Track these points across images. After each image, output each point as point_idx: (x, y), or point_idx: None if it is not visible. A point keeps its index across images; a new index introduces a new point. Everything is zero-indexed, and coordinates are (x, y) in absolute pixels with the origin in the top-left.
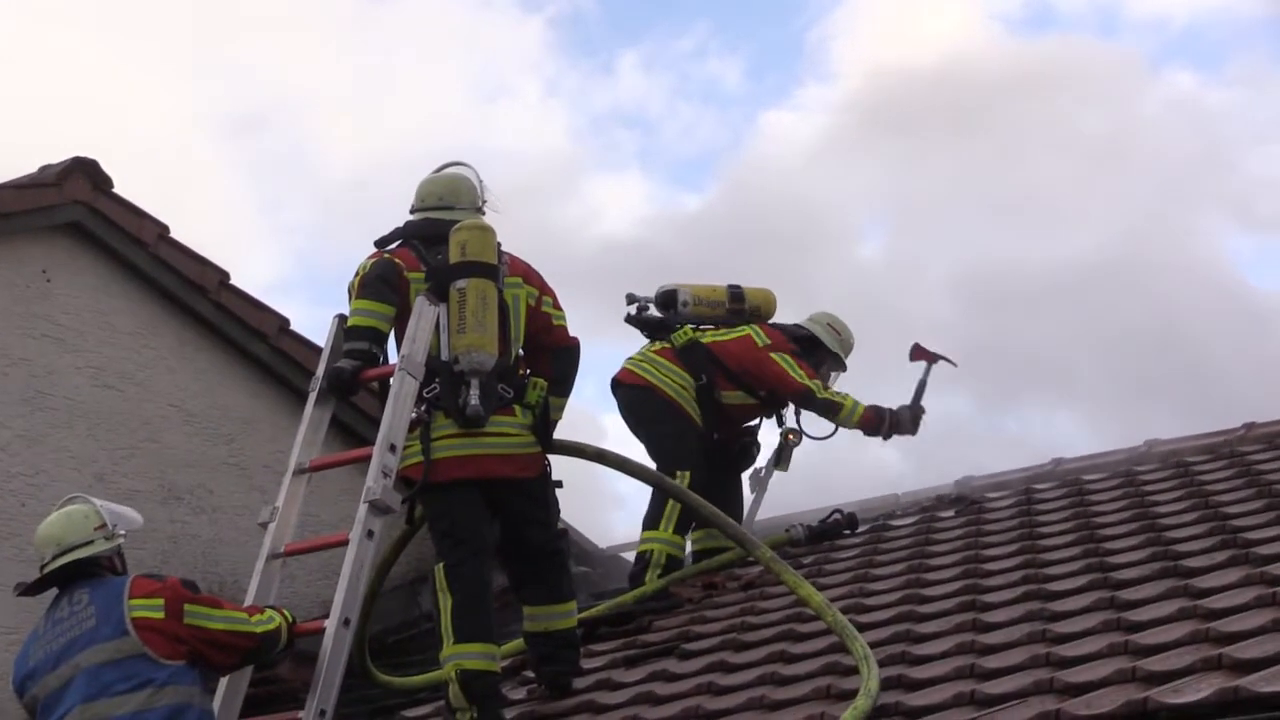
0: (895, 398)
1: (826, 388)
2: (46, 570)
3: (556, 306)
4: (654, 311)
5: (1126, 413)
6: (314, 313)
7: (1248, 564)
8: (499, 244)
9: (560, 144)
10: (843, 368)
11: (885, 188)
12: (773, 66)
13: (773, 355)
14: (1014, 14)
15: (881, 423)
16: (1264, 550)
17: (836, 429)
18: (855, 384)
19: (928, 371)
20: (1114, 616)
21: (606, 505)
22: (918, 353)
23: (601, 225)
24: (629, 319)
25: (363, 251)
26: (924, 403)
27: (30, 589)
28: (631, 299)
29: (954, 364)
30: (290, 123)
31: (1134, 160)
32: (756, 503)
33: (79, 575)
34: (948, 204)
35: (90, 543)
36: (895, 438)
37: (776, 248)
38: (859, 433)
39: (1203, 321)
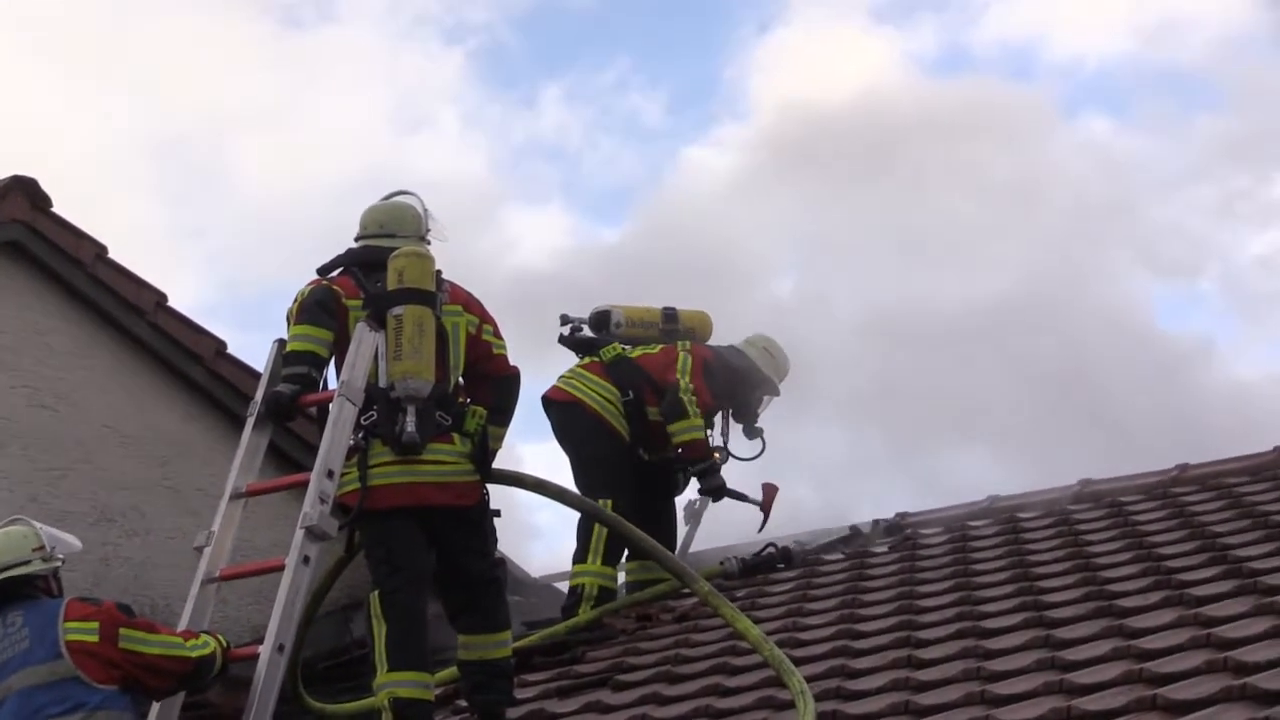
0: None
1: (699, 407)
2: None
3: (497, 335)
4: (587, 332)
5: (1038, 453)
6: (236, 336)
7: (1181, 605)
8: (438, 271)
9: (480, 174)
10: (776, 392)
11: (797, 225)
12: (693, 102)
13: (680, 354)
14: (929, 55)
15: (705, 456)
16: (1198, 592)
17: (763, 449)
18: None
19: (752, 500)
20: (1048, 655)
21: (526, 535)
22: (767, 494)
23: (518, 256)
24: (562, 339)
25: (284, 277)
26: (730, 496)
27: None
28: (565, 320)
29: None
30: (209, 147)
31: (1043, 203)
32: (691, 534)
33: (14, 596)
34: (859, 242)
35: (27, 563)
36: (700, 482)
37: (691, 282)
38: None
39: (1112, 363)
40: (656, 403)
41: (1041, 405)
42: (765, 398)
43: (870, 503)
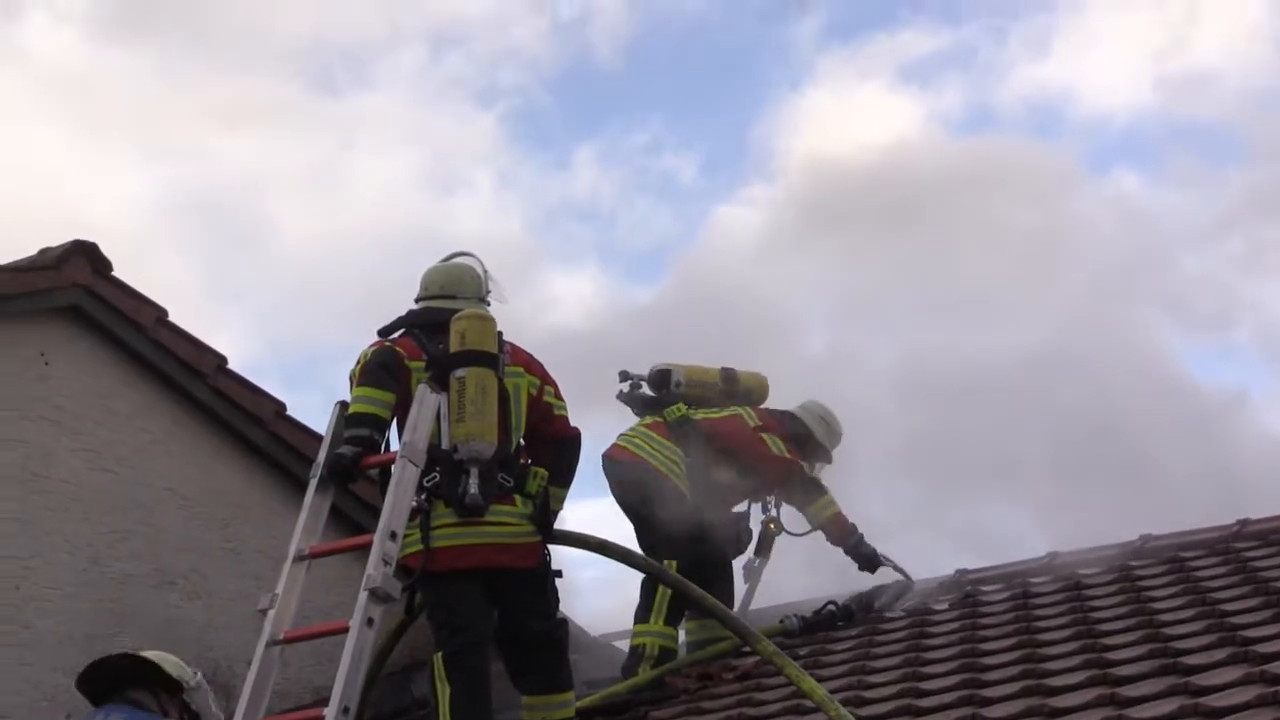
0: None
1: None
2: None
3: (558, 397)
4: (646, 390)
5: (1077, 507)
6: (281, 397)
7: (1247, 662)
8: (500, 333)
9: (516, 235)
10: (829, 460)
11: (828, 283)
12: (725, 161)
13: (762, 435)
14: (954, 115)
15: (850, 534)
16: (1263, 649)
17: (811, 528)
18: None
19: (901, 570)
20: (1115, 714)
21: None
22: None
23: (553, 316)
24: (621, 396)
25: (326, 338)
26: (887, 567)
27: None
28: (625, 376)
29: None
30: (248, 210)
31: (1073, 258)
32: (750, 593)
33: (133, 684)
34: (890, 299)
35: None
36: (855, 558)
37: (724, 340)
38: (821, 535)
39: (1146, 416)
40: (719, 466)
41: (1079, 459)
42: (819, 465)
43: (913, 558)
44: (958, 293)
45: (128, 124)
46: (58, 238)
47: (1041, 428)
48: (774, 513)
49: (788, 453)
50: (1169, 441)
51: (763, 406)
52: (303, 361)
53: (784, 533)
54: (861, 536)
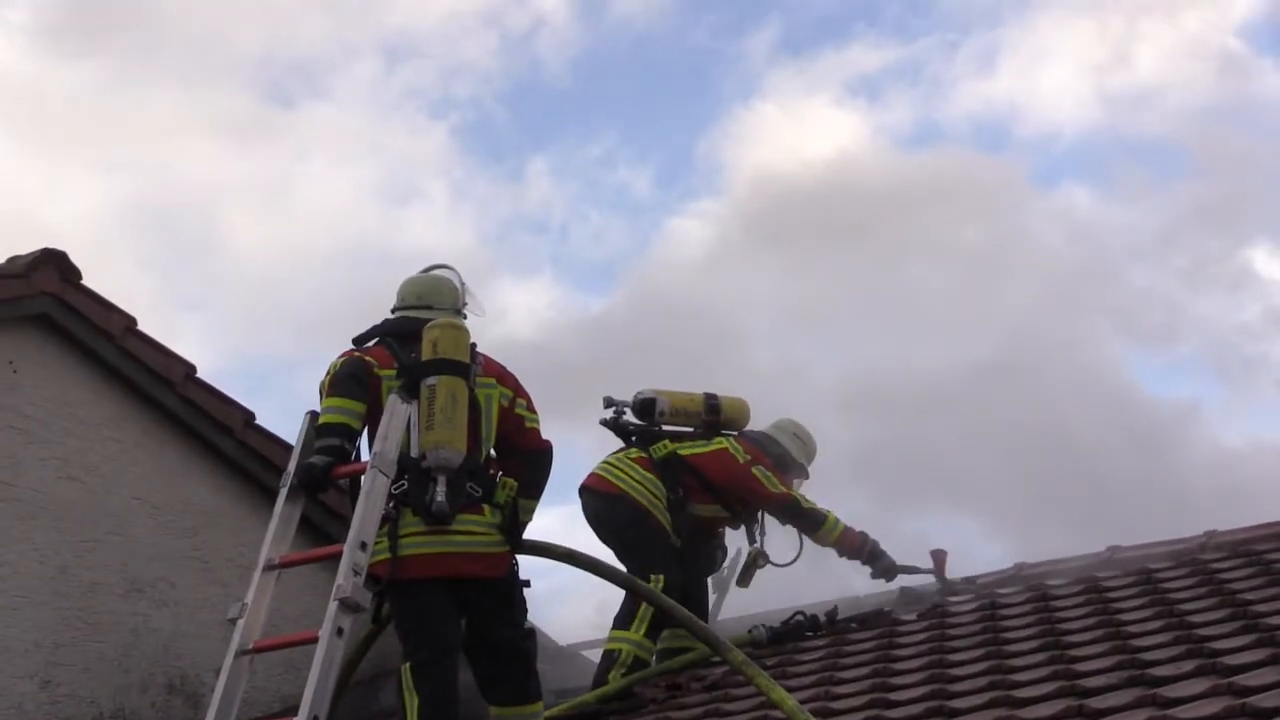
0: None
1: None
2: None
3: (530, 409)
4: (630, 417)
5: (1024, 520)
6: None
7: (1215, 674)
8: (473, 344)
9: (469, 246)
10: (805, 475)
11: (774, 295)
12: (676, 174)
13: (754, 470)
14: (902, 129)
15: (863, 547)
16: (1230, 661)
17: (798, 558)
18: None
19: (924, 572)
20: None
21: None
22: (938, 560)
23: (504, 327)
24: (605, 423)
25: (282, 348)
26: (902, 575)
27: None
28: (609, 403)
29: (938, 581)
30: (202, 221)
31: (1020, 271)
32: (719, 603)
33: None
34: (834, 312)
35: None
36: (865, 569)
37: (672, 352)
38: (832, 551)
39: (1094, 428)
40: (707, 500)
41: (1026, 471)
42: (796, 481)
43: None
44: (906, 306)
45: (80, 135)
46: (12, 248)
47: (989, 440)
48: (759, 544)
49: (781, 485)
50: (1119, 453)
51: (742, 432)
52: (258, 372)
53: (769, 564)
54: (875, 544)
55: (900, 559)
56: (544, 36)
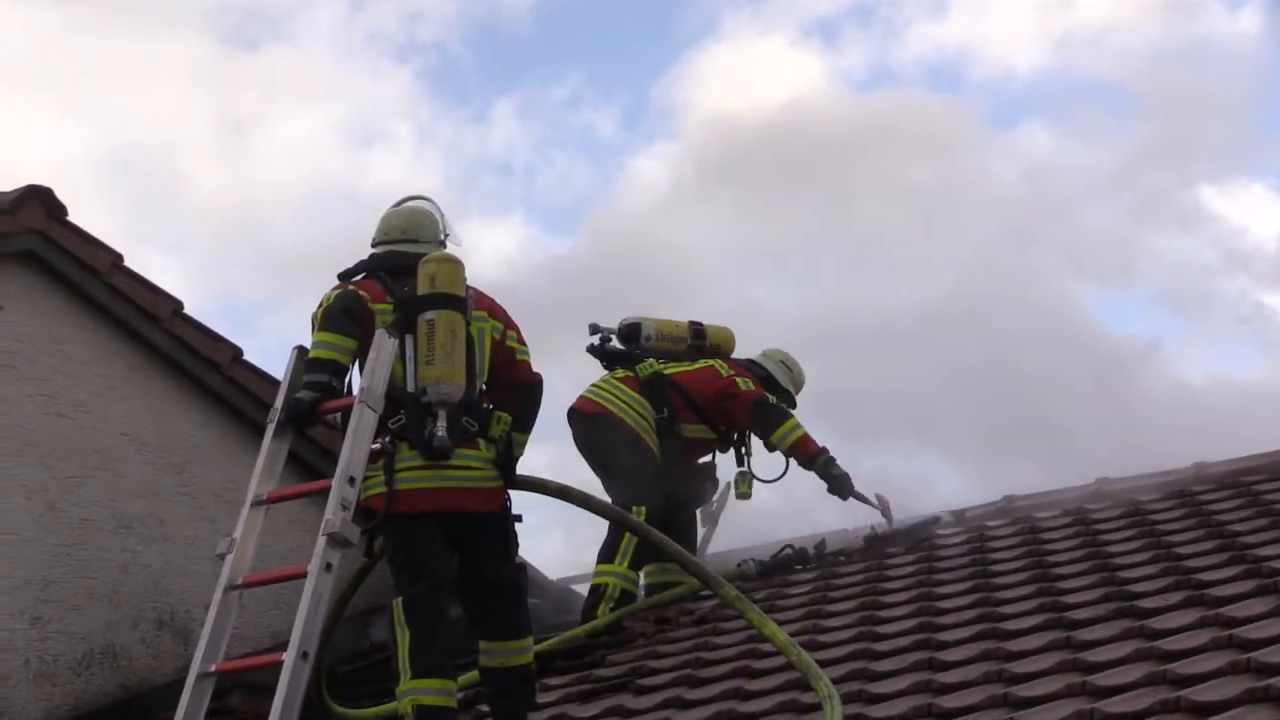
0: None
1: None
2: None
3: (521, 342)
4: (616, 343)
5: (986, 457)
6: None
7: (1203, 605)
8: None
9: (435, 188)
10: (793, 405)
11: (733, 236)
12: (638, 116)
13: (737, 378)
14: (857, 72)
15: (818, 456)
16: (1218, 592)
17: (786, 470)
18: None
19: (873, 505)
20: (1070, 657)
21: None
22: (883, 504)
23: (470, 268)
24: (591, 349)
25: (248, 288)
26: (854, 497)
27: None
28: (595, 329)
29: (886, 519)
30: (166, 165)
31: (976, 210)
32: (708, 536)
33: None
34: (794, 252)
35: None
36: (824, 486)
37: (634, 292)
38: (793, 460)
39: (1054, 365)
40: (692, 420)
41: (986, 409)
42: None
43: (827, 509)
44: (864, 245)
45: (41, 80)
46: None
47: (949, 378)
48: (747, 466)
49: (754, 385)
50: (1077, 390)
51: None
52: (225, 313)
53: (755, 480)
54: (832, 458)
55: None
56: None
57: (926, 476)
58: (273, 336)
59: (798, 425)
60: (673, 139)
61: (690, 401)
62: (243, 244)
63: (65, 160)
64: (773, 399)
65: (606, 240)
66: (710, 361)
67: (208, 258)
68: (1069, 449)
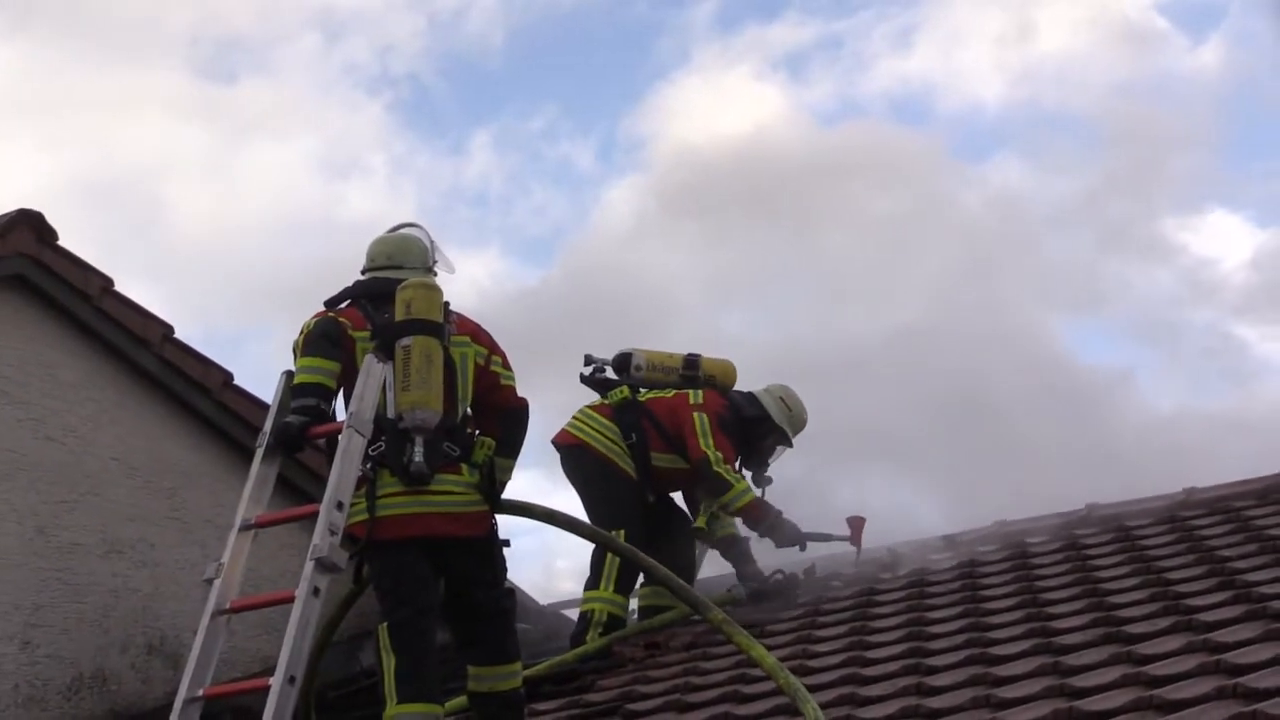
0: None
1: (738, 468)
2: None
3: (505, 366)
4: (609, 373)
5: (959, 485)
6: None
7: (1190, 631)
8: (446, 303)
9: (410, 219)
10: (789, 444)
11: (701, 267)
12: (615, 147)
13: (694, 415)
14: (823, 107)
15: (765, 517)
16: (1206, 617)
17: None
18: None
19: (837, 537)
20: (1057, 682)
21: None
22: (855, 526)
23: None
24: (583, 379)
25: (228, 320)
26: (810, 546)
27: None
28: (589, 360)
29: (855, 546)
30: (146, 197)
31: (941, 242)
32: (699, 562)
33: None
34: (762, 282)
35: None
36: (771, 540)
37: (604, 323)
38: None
39: (1025, 395)
40: (662, 449)
41: (961, 438)
42: (778, 448)
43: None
44: (835, 278)
45: (18, 113)
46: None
47: (922, 406)
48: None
49: (711, 441)
50: (1048, 420)
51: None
52: (204, 343)
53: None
54: (779, 515)
55: (819, 526)
56: (470, 18)
57: (901, 504)
58: (250, 366)
59: (746, 491)
60: (641, 170)
61: (661, 430)
62: (221, 274)
63: (43, 192)
64: (719, 464)
65: (577, 272)
66: (688, 390)
67: (186, 288)
68: (1043, 477)
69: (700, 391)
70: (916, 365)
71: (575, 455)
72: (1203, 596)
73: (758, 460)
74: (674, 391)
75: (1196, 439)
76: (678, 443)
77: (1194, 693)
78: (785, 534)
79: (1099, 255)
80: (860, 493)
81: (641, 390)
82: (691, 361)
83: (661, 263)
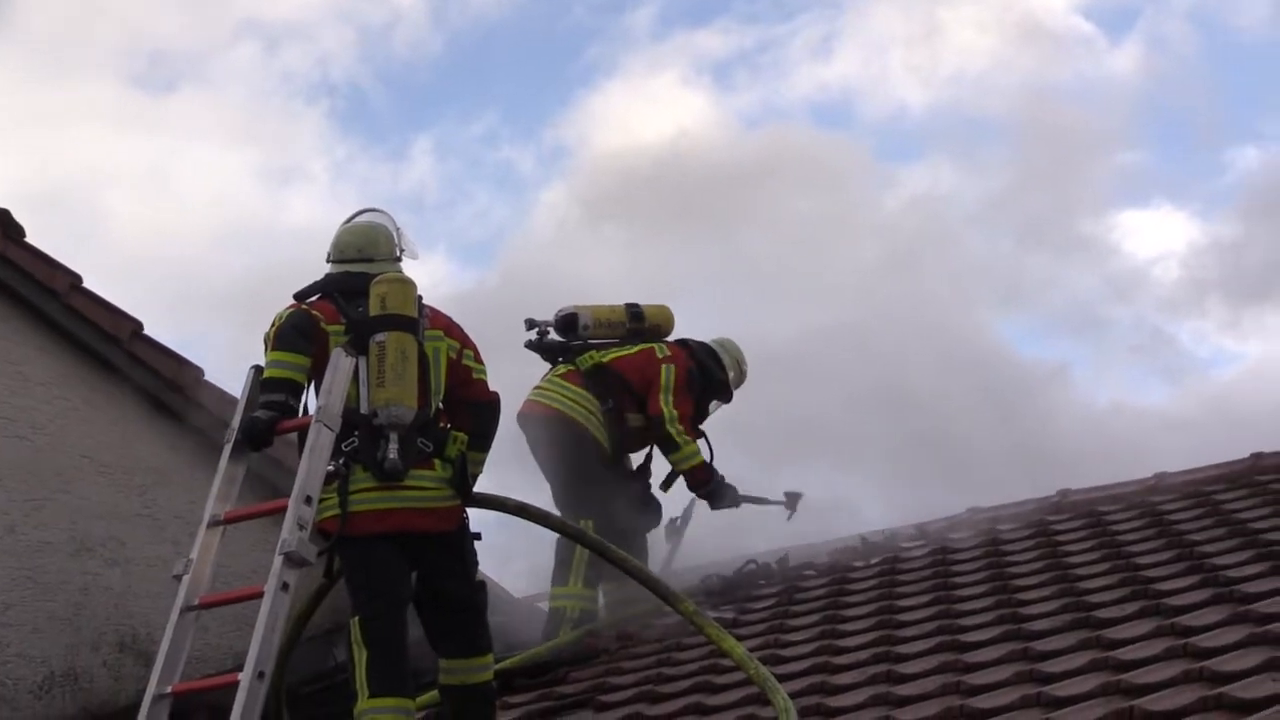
0: None
1: (684, 424)
2: None
3: (478, 360)
4: (554, 336)
5: (895, 480)
6: None
7: (1159, 615)
8: (420, 297)
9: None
10: (727, 399)
11: (627, 269)
12: (546, 152)
13: (662, 366)
14: (748, 112)
15: (709, 480)
16: (1175, 602)
17: (712, 454)
18: None
19: (776, 506)
20: (1026, 668)
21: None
22: (791, 499)
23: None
24: (529, 344)
25: (172, 327)
26: (747, 505)
27: None
28: (531, 324)
29: (788, 514)
30: (84, 208)
31: (867, 243)
32: (673, 552)
33: None
34: (691, 286)
35: None
36: (709, 502)
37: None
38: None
39: (963, 390)
40: (633, 409)
41: (895, 435)
42: (715, 402)
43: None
44: (774, 280)
45: None
46: None
47: (846, 403)
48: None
49: (671, 399)
50: (984, 416)
51: (673, 339)
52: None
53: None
54: (722, 480)
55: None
56: (400, 30)
57: (839, 499)
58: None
59: (695, 454)
60: (570, 175)
61: (631, 389)
62: (163, 283)
63: None
64: (675, 425)
65: (511, 274)
66: (650, 345)
67: (128, 298)
68: (977, 470)
69: (664, 345)
70: (844, 363)
71: (550, 426)
72: (1171, 581)
73: (699, 412)
74: (637, 348)
75: (1129, 432)
76: (645, 402)
77: (1161, 677)
78: (724, 496)
79: (1026, 254)
80: (794, 486)
81: (603, 350)
82: (635, 313)
83: (589, 266)
